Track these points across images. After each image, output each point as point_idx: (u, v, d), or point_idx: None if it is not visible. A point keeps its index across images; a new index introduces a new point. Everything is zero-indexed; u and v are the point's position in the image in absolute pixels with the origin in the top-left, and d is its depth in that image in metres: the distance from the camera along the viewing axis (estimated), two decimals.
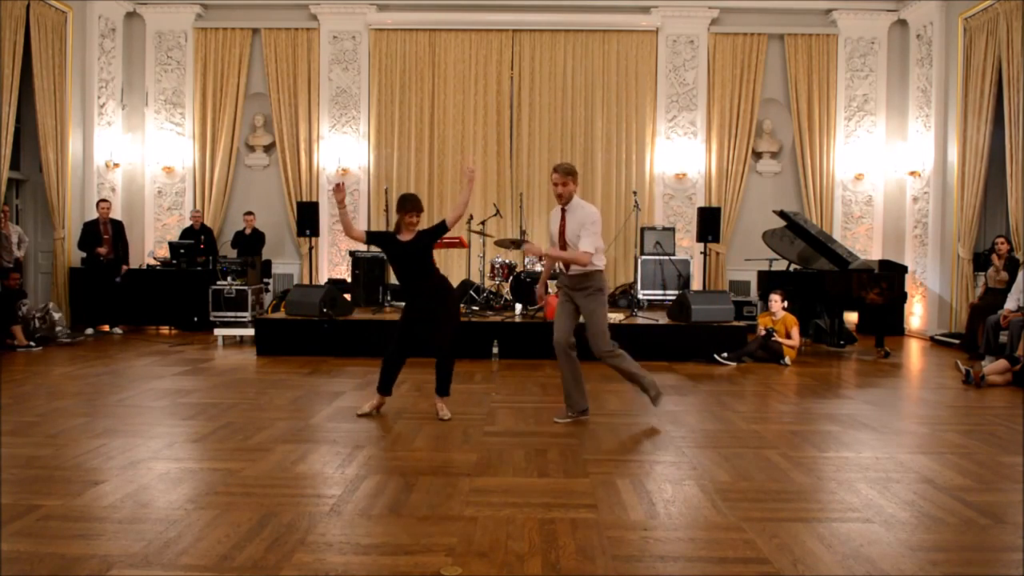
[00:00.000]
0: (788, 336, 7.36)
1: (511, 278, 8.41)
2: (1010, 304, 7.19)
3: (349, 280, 9.68)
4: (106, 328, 9.27)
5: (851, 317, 9.38)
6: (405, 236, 4.74)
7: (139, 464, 3.72)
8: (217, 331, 8.37)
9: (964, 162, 9.02)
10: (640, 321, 7.83)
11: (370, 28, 10.53)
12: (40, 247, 9.82)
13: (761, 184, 10.71)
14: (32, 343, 7.80)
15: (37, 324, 8.25)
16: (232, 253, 10.00)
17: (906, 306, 9.38)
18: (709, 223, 9.56)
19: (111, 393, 5.51)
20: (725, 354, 7.31)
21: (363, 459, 3.86)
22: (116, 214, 9.94)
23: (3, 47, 8.33)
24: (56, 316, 8.41)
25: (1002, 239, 8.03)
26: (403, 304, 5.06)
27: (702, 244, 9.87)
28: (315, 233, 9.99)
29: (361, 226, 10.60)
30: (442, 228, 4.76)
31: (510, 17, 10.42)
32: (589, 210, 4.56)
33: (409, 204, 4.72)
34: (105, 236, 9.22)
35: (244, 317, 8.96)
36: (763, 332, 7.38)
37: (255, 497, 3.25)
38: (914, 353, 8.38)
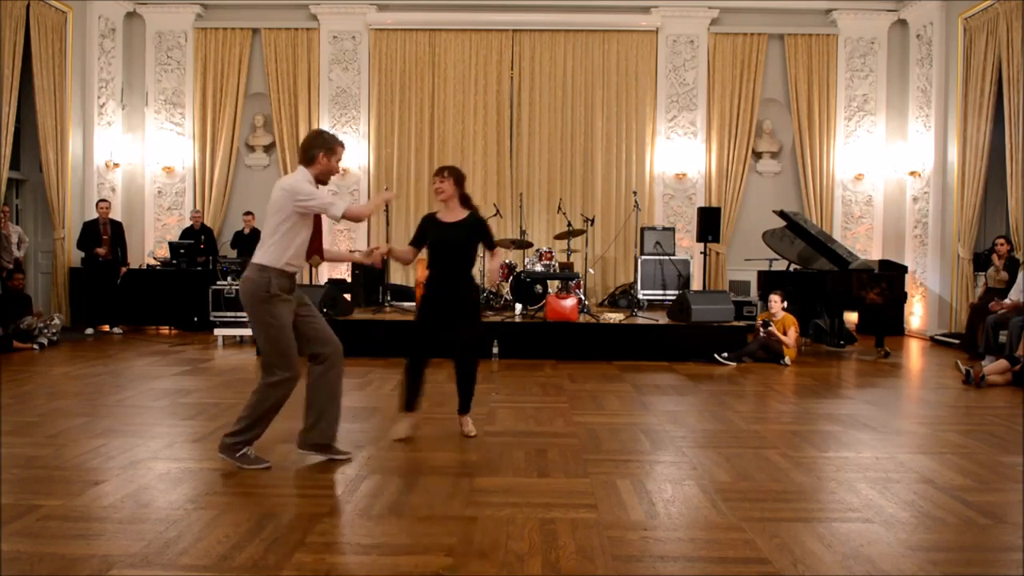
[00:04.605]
0: (784, 334, 7.35)
1: (511, 278, 8.41)
2: (1013, 296, 7.24)
3: (349, 280, 9.68)
4: (106, 328, 9.27)
5: (851, 317, 9.38)
6: (445, 216, 4.32)
7: (139, 464, 3.72)
8: (217, 331, 8.37)
9: (964, 162, 9.02)
10: (640, 321, 7.83)
11: (370, 28, 10.53)
12: (40, 247, 9.82)
13: (761, 184, 10.72)
14: (35, 346, 7.77)
15: (39, 331, 8.09)
16: (232, 253, 10.00)
17: (906, 306, 9.38)
18: (709, 223, 9.55)
19: (111, 393, 5.51)
20: (725, 354, 7.31)
21: (363, 459, 3.85)
22: (116, 214, 9.94)
23: (3, 47, 8.33)
24: (57, 322, 8.31)
25: (1002, 240, 8.05)
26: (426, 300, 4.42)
27: (702, 244, 9.87)
28: None
29: (361, 227, 10.61)
30: (490, 240, 4.36)
31: (510, 17, 10.42)
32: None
33: (440, 169, 4.31)
34: (104, 236, 9.22)
35: (244, 317, 8.93)
36: (760, 323, 7.41)
37: (255, 497, 3.25)
38: (914, 353, 8.38)
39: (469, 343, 4.25)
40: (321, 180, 3.80)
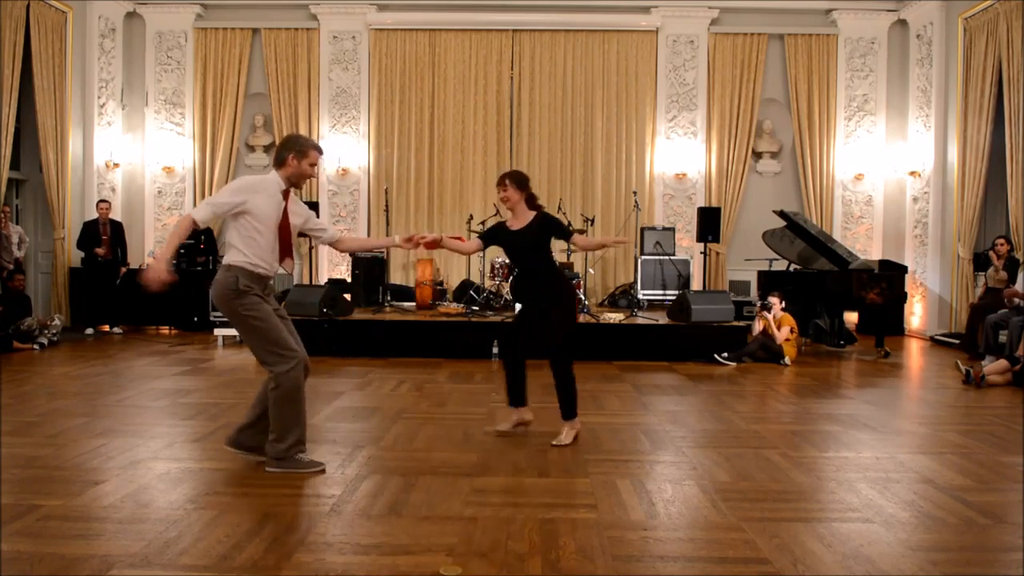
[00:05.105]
0: (778, 330, 7.34)
1: (511, 278, 8.40)
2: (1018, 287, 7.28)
3: (349, 280, 9.68)
4: (106, 328, 9.27)
5: (851, 317, 9.37)
6: (513, 223, 4.27)
7: (139, 464, 3.71)
8: (217, 331, 8.36)
9: (964, 162, 9.02)
10: (640, 321, 7.83)
11: (370, 28, 10.53)
12: (40, 247, 9.82)
13: (761, 184, 10.71)
14: (35, 346, 7.76)
15: (39, 333, 8.05)
16: None
17: (906, 306, 9.37)
18: (709, 223, 9.55)
19: (111, 393, 5.51)
20: (725, 354, 7.30)
21: (363, 459, 3.85)
22: (116, 214, 9.93)
23: (3, 47, 8.33)
24: (57, 322, 8.30)
25: (1002, 240, 8.05)
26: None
27: (702, 244, 9.86)
28: None
29: (361, 227, 10.61)
30: (562, 232, 4.28)
31: (510, 17, 10.42)
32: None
33: (501, 178, 4.24)
34: (104, 237, 9.22)
35: None
36: (759, 306, 7.46)
37: (255, 497, 3.25)
38: (914, 353, 8.38)
39: (553, 345, 4.14)
40: (293, 183, 3.73)
